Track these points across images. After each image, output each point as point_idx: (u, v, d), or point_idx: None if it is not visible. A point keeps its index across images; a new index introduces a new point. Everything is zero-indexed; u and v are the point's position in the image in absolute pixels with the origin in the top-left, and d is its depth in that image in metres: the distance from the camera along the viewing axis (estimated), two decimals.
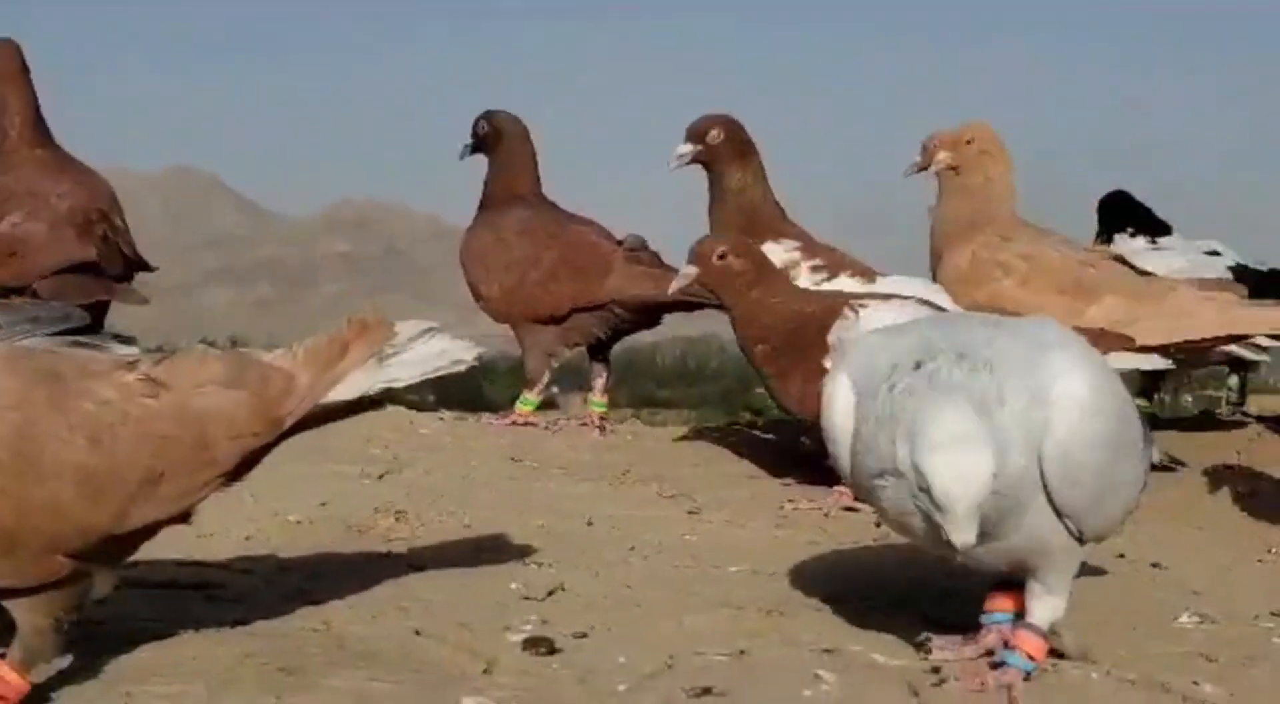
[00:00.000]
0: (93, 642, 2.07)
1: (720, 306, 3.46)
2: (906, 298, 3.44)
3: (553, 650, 2.19)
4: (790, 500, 3.41)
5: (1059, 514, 2.01)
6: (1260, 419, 4.51)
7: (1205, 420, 4.69)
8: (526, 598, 2.46)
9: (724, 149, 3.95)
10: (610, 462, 3.88)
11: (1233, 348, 4.14)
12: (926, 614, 2.35)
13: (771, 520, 3.27)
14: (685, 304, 3.93)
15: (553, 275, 4.19)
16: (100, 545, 1.88)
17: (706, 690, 2.03)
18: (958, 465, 1.88)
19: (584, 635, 2.26)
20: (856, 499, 3.09)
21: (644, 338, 4.67)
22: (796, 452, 3.77)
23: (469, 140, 4.46)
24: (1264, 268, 4.38)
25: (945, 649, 2.16)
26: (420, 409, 4.48)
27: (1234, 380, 4.95)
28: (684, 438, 4.27)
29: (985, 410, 1.92)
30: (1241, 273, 4.31)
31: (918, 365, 1.97)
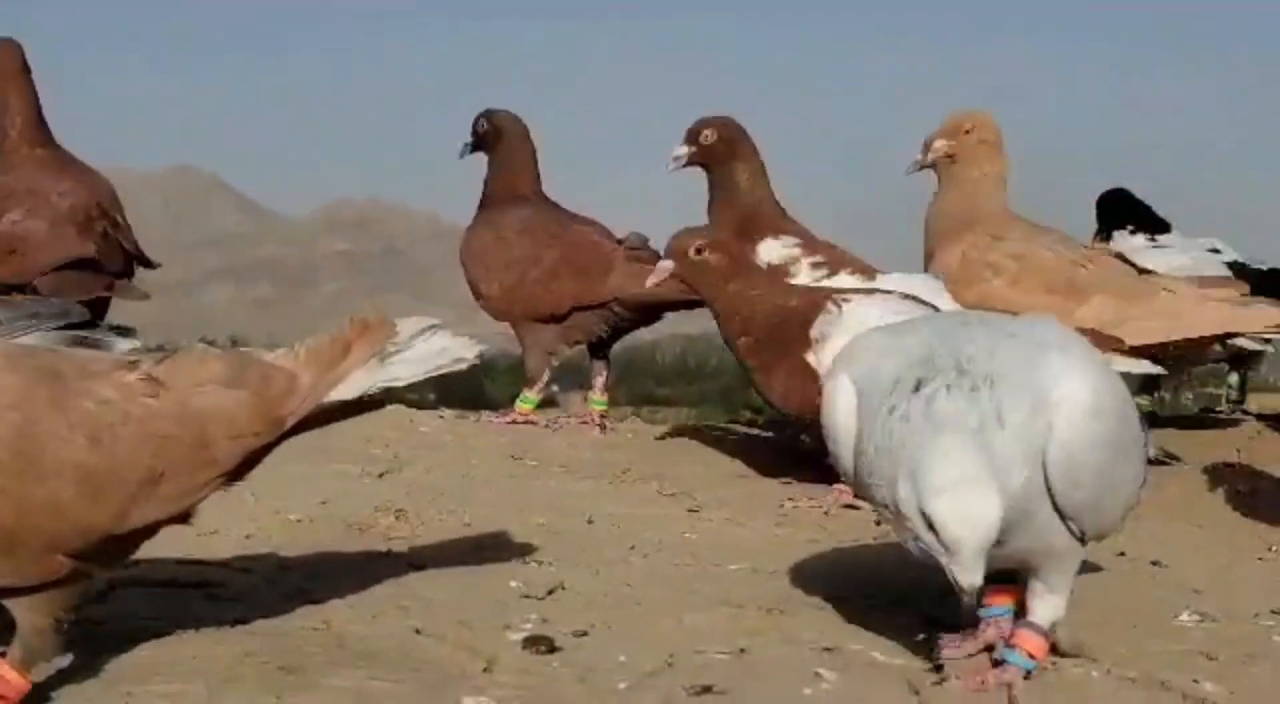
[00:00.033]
0: (93, 641, 2.07)
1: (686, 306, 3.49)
2: (890, 293, 3.45)
3: (553, 649, 2.19)
4: (790, 498, 3.42)
5: (1061, 516, 2.01)
6: (1260, 417, 4.51)
7: (1205, 418, 4.69)
8: (527, 596, 2.46)
9: (719, 149, 3.97)
10: (610, 460, 3.88)
11: (1236, 341, 4.14)
12: (926, 613, 2.34)
13: (771, 518, 3.27)
14: (686, 302, 3.93)
15: (553, 274, 4.19)
16: (100, 545, 1.88)
17: (707, 689, 2.03)
18: (964, 510, 1.87)
19: (584, 634, 2.26)
20: (856, 497, 3.09)
21: (644, 336, 4.68)
22: (796, 450, 3.76)
23: (469, 139, 4.46)
24: (1264, 266, 4.38)
25: (950, 648, 2.16)
26: (420, 407, 4.49)
27: (1234, 378, 4.95)
28: (684, 436, 4.27)
29: (987, 440, 1.92)
30: (1241, 271, 4.31)
31: (918, 385, 1.97)
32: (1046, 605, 2.10)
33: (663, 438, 4.25)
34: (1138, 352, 3.88)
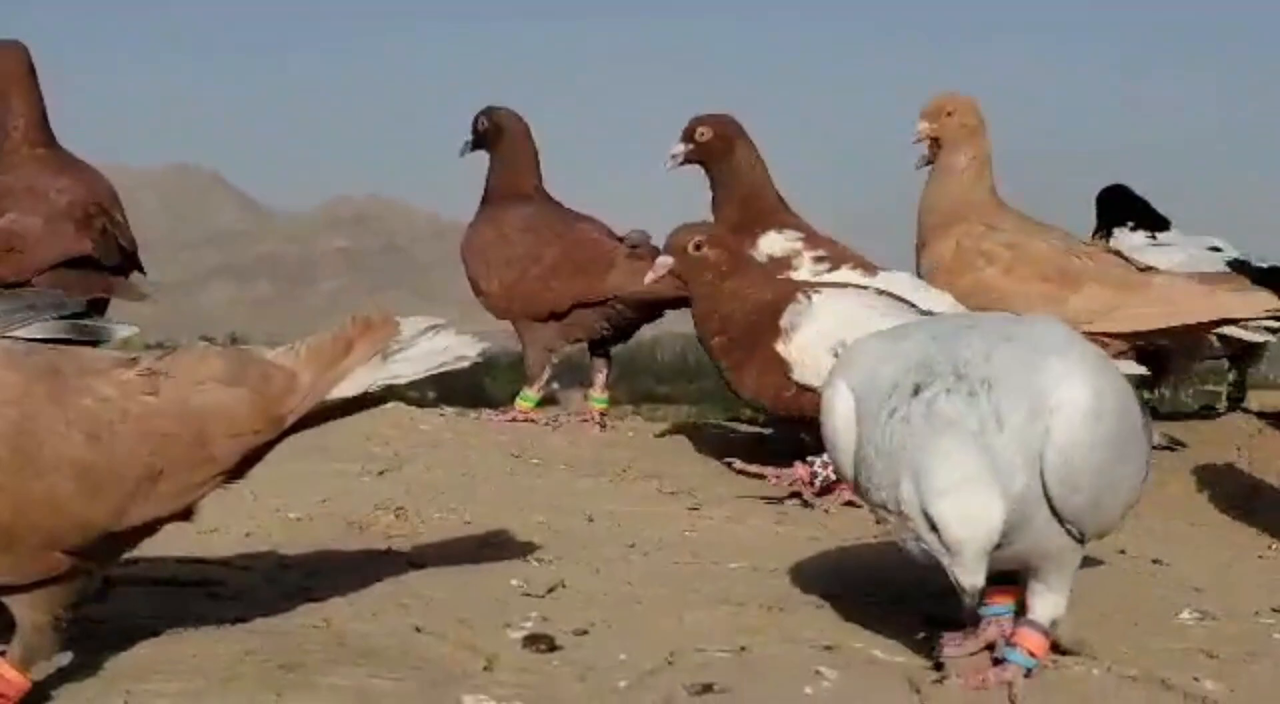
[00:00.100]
0: (93, 639, 2.07)
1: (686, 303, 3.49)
2: (864, 287, 3.45)
3: (553, 647, 2.19)
4: (790, 497, 3.41)
5: (1060, 519, 2.00)
6: (1260, 415, 4.51)
7: (1205, 416, 4.69)
8: (527, 595, 2.46)
9: (715, 146, 3.97)
10: (611, 458, 3.88)
11: (1234, 333, 4.16)
12: (927, 611, 2.34)
13: (772, 517, 3.27)
14: (686, 300, 3.93)
15: (554, 271, 4.19)
16: (99, 542, 1.88)
17: (707, 687, 2.03)
18: (967, 511, 1.87)
19: (584, 632, 2.26)
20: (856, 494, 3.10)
21: (644, 333, 4.67)
22: (797, 447, 3.76)
23: (469, 137, 4.47)
24: (1264, 264, 4.38)
25: (951, 646, 2.16)
26: (421, 405, 4.48)
27: (1234, 375, 4.95)
28: (684, 434, 4.27)
29: (987, 443, 1.92)
30: (1241, 269, 4.32)
31: (916, 390, 1.97)
32: (1047, 604, 2.10)
33: (663, 436, 4.25)
34: (1132, 338, 3.91)
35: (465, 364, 2.08)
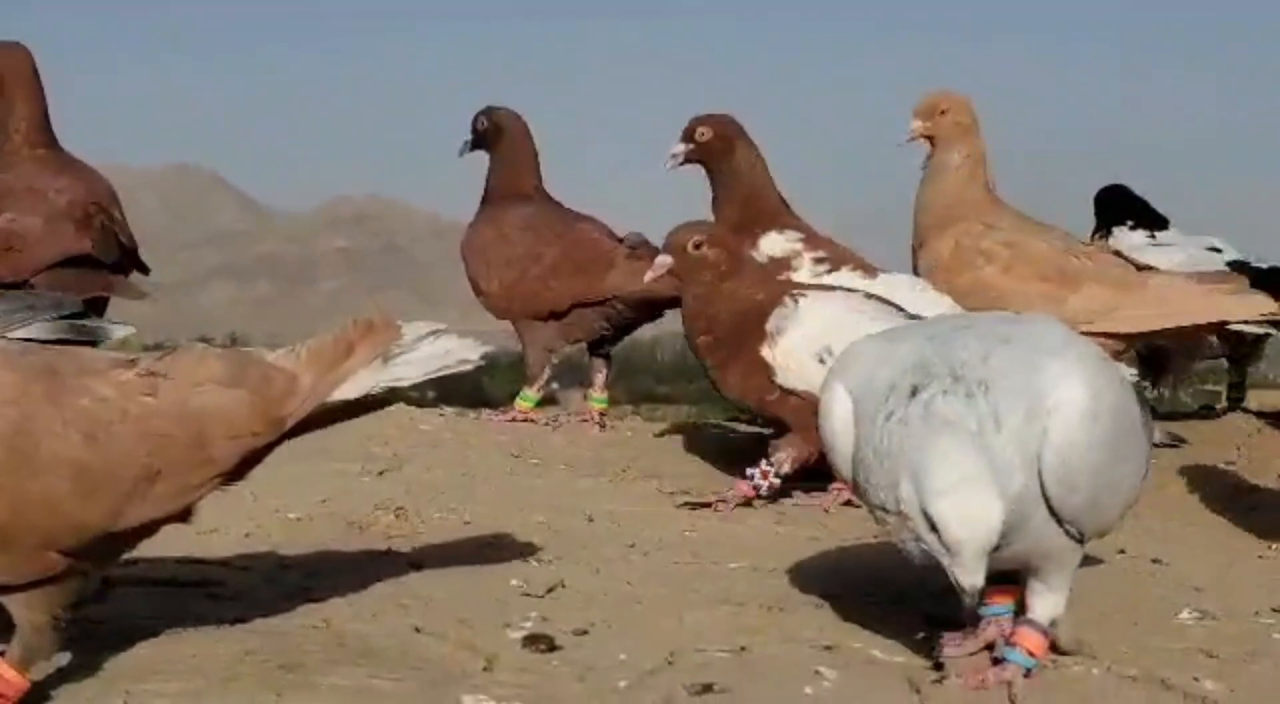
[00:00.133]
0: (92, 639, 2.07)
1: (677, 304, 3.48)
2: (853, 291, 3.44)
3: (553, 647, 2.19)
4: (790, 497, 3.41)
5: (1058, 520, 2.00)
6: (1260, 414, 4.51)
7: (1205, 416, 4.69)
8: (527, 595, 2.46)
9: (715, 145, 3.96)
10: (610, 458, 3.88)
11: (1233, 328, 4.16)
12: (927, 611, 2.34)
13: (771, 516, 3.27)
14: None
15: (554, 271, 4.20)
16: (96, 543, 1.88)
17: (707, 687, 2.03)
18: (966, 511, 1.87)
19: (584, 632, 2.26)
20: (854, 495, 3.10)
21: (644, 333, 4.68)
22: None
23: (469, 137, 4.47)
24: (1264, 265, 4.38)
25: (951, 646, 2.16)
26: (421, 405, 4.49)
27: (1234, 375, 4.95)
28: (684, 434, 4.27)
29: (985, 443, 1.92)
30: (1241, 270, 4.32)
31: (914, 391, 1.97)
32: (1046, 603, 2.10)
33: (662, 436, 4.25)
34: (1130, 338, 3.92)
35: (467, 368, 2.08)
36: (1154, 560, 2.95)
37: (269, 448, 1.98)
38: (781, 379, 3.26)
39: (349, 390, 1.99)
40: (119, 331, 2.33)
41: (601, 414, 4.29)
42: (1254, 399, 4.98)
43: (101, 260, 3.91)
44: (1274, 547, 3.20)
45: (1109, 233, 4.75)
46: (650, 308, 4.19)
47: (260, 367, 1.97)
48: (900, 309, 3.34)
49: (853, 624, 2.34)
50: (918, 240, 4.11)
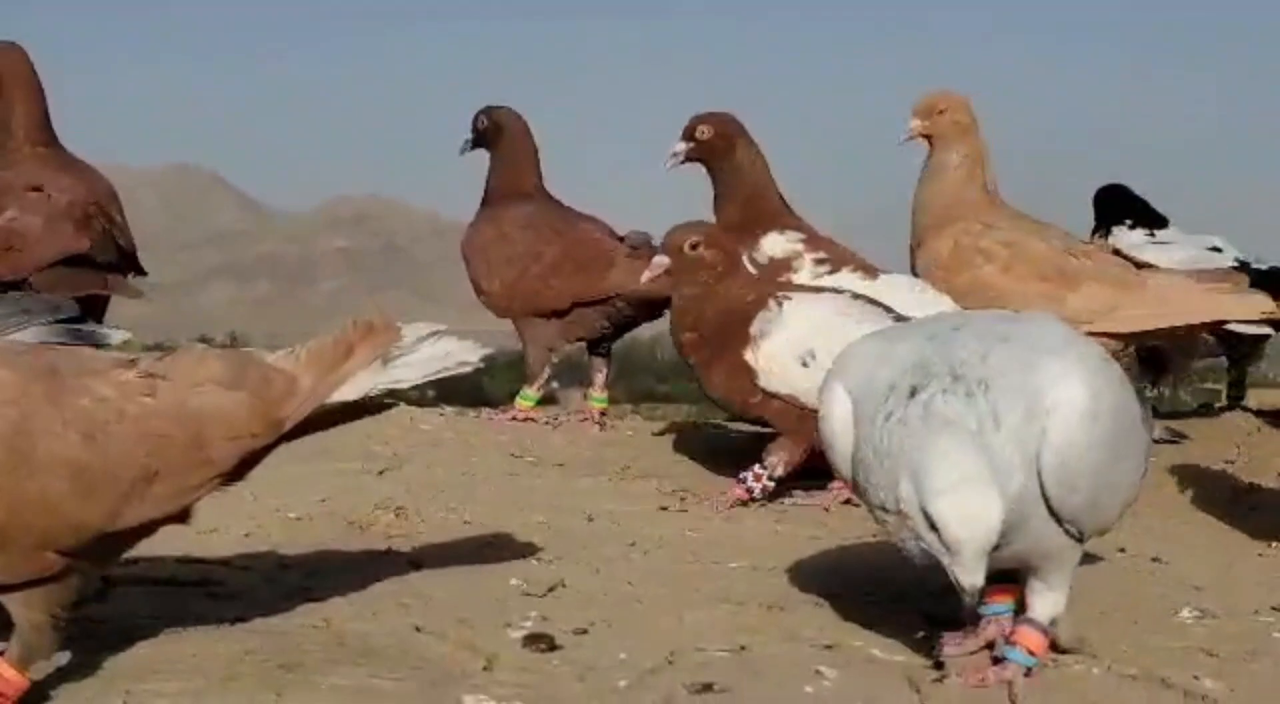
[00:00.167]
0: (92, 638, 2.07)
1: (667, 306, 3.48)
2: (841, 292, 3.43)
3: (553, 647, 2.19)
4: (790, 496, 3.41)
5: (1058, 519, 2.00)
6: (1259, 413, 4.51)
7: (1205, 415, 4.69)
8: (527, 594, 2.46)
9: (716, 144, 3.96)
10: (610, 457, 3.88)
11: (1232, 328, 4.16)
12: (927, 610, 2.34)
13: (771, 516, 3.27)
14: None
15: (554, 270, 4.19)
16: (94, 543, 1.88)
17: (707, 687, 2.03)
18: (966, 510, 1.87)
19: (584, 632, 2.26)
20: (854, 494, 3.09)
21: (643, 332, 4.68)
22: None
23: (469, 136, 4.47)
24: (1264, 265, 4.39)
25: (951, 645, 2.16)
26: (421, 405, 4.49)
27: (1234, 374, 4.95)
28: (684, 433, 4.27)
29: (985, 442, 1.92)
30: (1241, 270, 4.32)
31: (913, 391, 1.97)
32: (1046, 602, 2.10)
33: (662, 435, 4.25)
34: (1129, 338, 3.92)
35: (467, 370, 2.08)
36: (1154, 559, 2.95)
37: (268, 449, 1.98)
38: (764, 382, 3.26)
39: (348, 392, 2.00)
40: (115, 337, 2.33)
41: (601, 413, 4.29)
42: (1254, 398, 4.98)
43: (99, 261, 3.92)
44: (1274, 545, 3.19)
45: (1108, 232, 4.75)
46: (651, 307, 4.19)
47: (260, 368, 1.97)
48: (889, 310, 3.33)
49: (853, 623, 2.34)
50: (916, 240, 4.11)
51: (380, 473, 3.48)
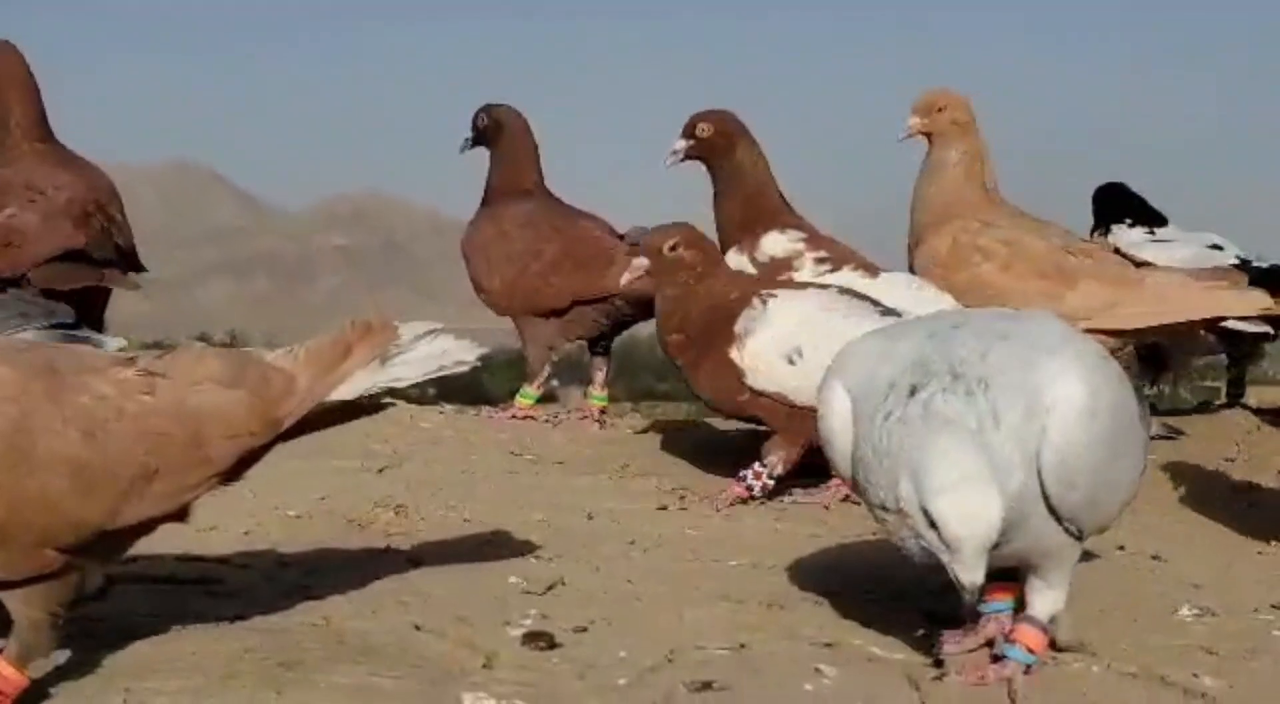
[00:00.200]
0: (91, 637, 2.07)
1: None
2: (827, 287, 3.43)
3: (553, 645, 2.19)
4: (789, 494, 3.41)
5: (1057, 517, 2.00)
6: (1259, 411, 4.51)
7: (1204, 412, 4.69)
8: (526, 592, 2.46)
9: (717, 142, 3.95)
10: (610, 455, 3.88)
11: (1232, 325, 4.16)
12: (926, 608, 2.34)
13: (771, 514, 3.27)
14: None
15: (554, 267, 4.19)
16: (93, 540, 1.88)
17: (707, 684, 2.03)
18: (966, 509, 1.88)
19: (584, 630, 2.26)
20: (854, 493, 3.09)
21: (643, 330, 4.67)
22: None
23: (469, 133, 4.47)
24: (1265, 264, 4.39)
25: (951, 643, 2.16)
26: (420, 403, 4.48)
27: (1234, 372, 4.94)
28: (684, 431, 4.27)
29: (985, 441, 1.92)
30: (1242, 268, 4.32)
31: (913, 390, 1.97)
32: (1045, 600, 2.10)
33: (662, 433, 4.25)
34: (1129, 335, 3.92)
35: (464, 369, 2.09)
36: (1153, 557, 2.95)
37: (266, 448, 1.99)
38: (751, 380, 3.26)
39: (346, 391, 2.00)
40: (111, 343, 2.33)
41: (601, 411, 4.29)
42: (1253, 396, 4.97)
43: (96, 257, 3.92)
44: (1273, 543, 3.19)
45: (1108, 230, 4.75)
46: (651, 305, 4.18)
47: (259, 367, 1.97)
48: (876, 303, 3.33)
49: (852, 621, 2.34)
50: (914, 238, 4.11)
51: (380, 471, 3.48)
